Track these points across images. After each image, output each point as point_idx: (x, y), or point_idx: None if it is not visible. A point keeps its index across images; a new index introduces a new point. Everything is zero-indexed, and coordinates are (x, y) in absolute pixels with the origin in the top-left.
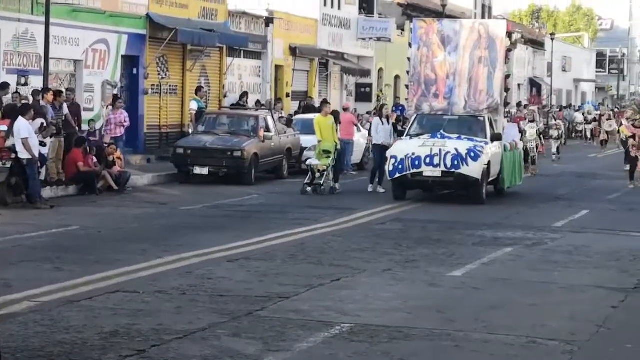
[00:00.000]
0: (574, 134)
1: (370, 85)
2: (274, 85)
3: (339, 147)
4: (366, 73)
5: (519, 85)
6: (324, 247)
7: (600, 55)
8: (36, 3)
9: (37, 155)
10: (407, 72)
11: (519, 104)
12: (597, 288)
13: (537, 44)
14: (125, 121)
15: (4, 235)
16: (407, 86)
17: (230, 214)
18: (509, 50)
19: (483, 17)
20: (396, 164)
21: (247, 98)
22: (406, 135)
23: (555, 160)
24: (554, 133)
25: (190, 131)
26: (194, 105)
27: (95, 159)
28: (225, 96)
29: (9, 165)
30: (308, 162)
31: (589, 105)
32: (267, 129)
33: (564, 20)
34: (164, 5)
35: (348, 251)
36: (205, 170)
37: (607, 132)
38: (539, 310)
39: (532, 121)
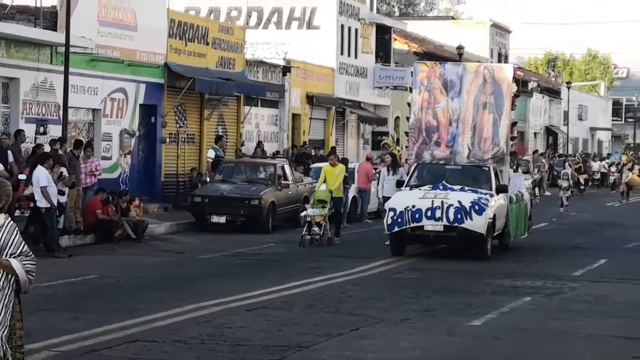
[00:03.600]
0: (590, 183)
1: (387, 134)
2: (291, 133)
3: (340, 195)
4: (383, 121)
5: (535, 133)
6: (342, 296)
7: (616, 104)
8: (55, 52)
9: (55, 203)
10: (407, 119)
11: (534, 152)
12: (618, 338)
13: (553, 93)
14: (96, 170)
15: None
16: (406, 133)
17: (248, 262)
18: (515, 96)
19: None
20: (395, 217)
21: (263, 147)
22: (406, 186)
23: (562, 212)
24: (563, 183)
25: (208, 179)
26: (211, 154)
27: (113, 208)
28: (242, 145)
29: (27, 214)
30: (303, 213)
31: (617, 155)
32: (285, 178)
33: (580, 69)
34: (182, 55)
35: (366, 300)
36: (222, 219)
37: (626, 184)
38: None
39: (526, 172)
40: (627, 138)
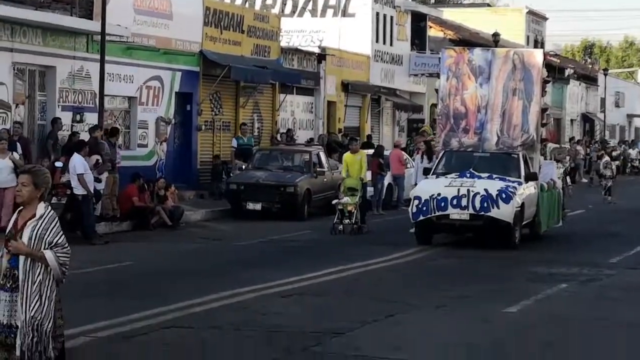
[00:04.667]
0: (628, 170)
1: (422, 121)
2: (326, 121)
3: (365, 181)
4: (418, 109)
5: (571, 120)
6: (378, 282)
7: None
8: (91, 41)
9: (92, 191)
10: (435, 105)
11: (571, 139)
12: None
13: (589, 80)
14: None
15: None
16: (434, 120)
17: (283, 249)
18: (546, 82)
19: None
20: (420, 206)
21: (292, 135)
22: (432, 174)
23: (609, 201)
24: (606, 172)
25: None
26: (234, 143)
27: (149, 195)
28: (277, 132)
29: (64, 201)
30: (335, 201)
31: None
32: (320, 165)
33: (617, 56)
34: (217, 43)
35: (401, 287)
36: (258, 206)
37: None
38: (595, 348)
39: (558, 160)
40: None
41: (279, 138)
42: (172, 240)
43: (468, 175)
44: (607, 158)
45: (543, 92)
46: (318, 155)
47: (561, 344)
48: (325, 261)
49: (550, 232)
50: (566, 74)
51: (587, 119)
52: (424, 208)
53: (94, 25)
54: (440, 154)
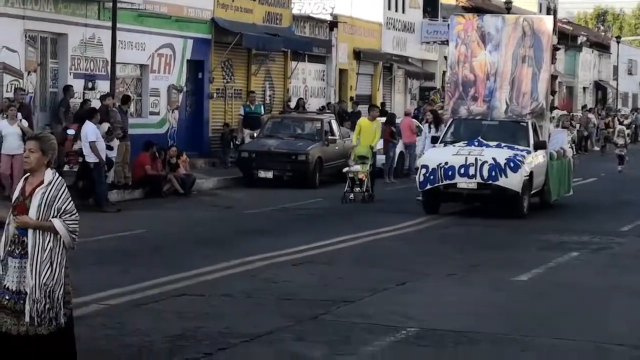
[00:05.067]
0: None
1: (434, 89)
2: (337, 89)
3: (375, 150)
4: (430, 77)
5: (584, 88)
6: (388, 251)
7: None
8: (103, 8)
9: (104, 158)
10: (444, 73)
11: (583, 107)
12: None
13: (602, 47)
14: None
15: None
16: (443, 88)
17: (294, 217)
18: (556, 49)
19: None
20: (427, 175)
21: (304, 104)
22: (440, 142)
23: (621, 171)
24: (619, 140)
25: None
26: (241, 111)
27: (161, 163)
28: (289, 100)
29: (76, 169)
30: (346, 169)
31: None
32: (331, 133)
33: (630, 23)
34: (229, 10)
35: (412, 255)
36: (269, 174)
37: None
38: (606, 316)
39: (565, 127)
40: None
41: (291, 106)
42: (184, 208)
43: (476, 143)
44: (620, 126)
45: (553, 60)
46: (330, 123)
47: (572, 311)
48: (336, 229)
49: (561, 200)
50: (579, 41)
51: (599, 87)
52: (432, 177)
53: None
54: (449, 122)
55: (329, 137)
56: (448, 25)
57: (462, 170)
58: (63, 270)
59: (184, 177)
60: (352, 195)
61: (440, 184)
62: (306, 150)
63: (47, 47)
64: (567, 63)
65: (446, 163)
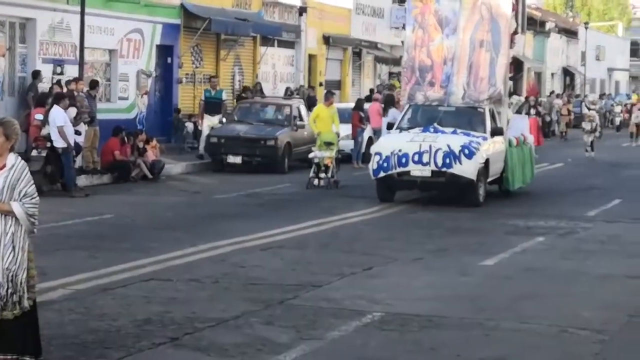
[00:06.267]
0: (609, 124)
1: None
2: (307, 74)
3: (342, 135)
4: (398, 62)
5: (552, 74)
6: (356, 235)
7: (634, 44)
8: None
9: (72, 143)
10: (400, 58)
11: (551, 93)
12: (630, 278)
13: (570, 33)
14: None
15: (39, 223)
16: (399, 73)
17: (263, 202)
18: (514, 34)
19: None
20: (381, 162)
21: (261, 88)
22: (396, 129)
23: (588, 156)
24: (586, 126)
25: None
26: (202, 96)
27: (130, 148)
28: (256, 85)
29: (44, 154)
30: (311, 155)
31: (622, 96)
32: (300, 118)
33: (598, 9)
34: None
35: (380, 240)
36: (238, 159)
37: (635, 124)
38: (570, 300)
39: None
40: None
41: (251, 91)
42: (153, 193)
43: (431, 130)
44: (590, 112)
45: (511, 44)
46: (298, 109)
47: (537, 296)
48: (304, 214)
49: (527, 186)
50: (547, 27)
51: (567, 73)
52: (385, 164)
53: None
54: (405, 108)
55: (298, 123)
56: (405, 9)
57: (416, 158)
58: (26, 254)
59: (153, 162)
60: (316, 181)
61: (394, 171)
62: (275, 136)
63: (15, 32)
64: (535, 49)
65: (400, 150)
